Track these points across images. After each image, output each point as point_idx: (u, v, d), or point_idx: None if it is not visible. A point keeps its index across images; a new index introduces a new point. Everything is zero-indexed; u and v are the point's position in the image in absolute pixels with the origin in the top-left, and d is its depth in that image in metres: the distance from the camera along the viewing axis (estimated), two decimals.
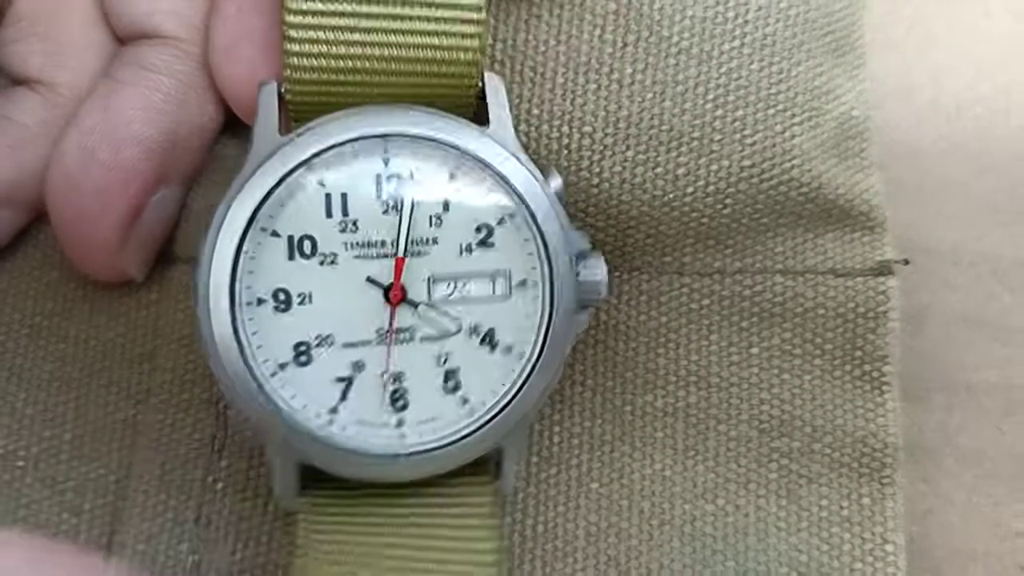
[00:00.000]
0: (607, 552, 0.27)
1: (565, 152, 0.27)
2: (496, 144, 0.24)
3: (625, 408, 0.28)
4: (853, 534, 0.27)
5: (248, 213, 0.24)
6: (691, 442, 0.27)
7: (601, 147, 0.26)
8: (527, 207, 0.24)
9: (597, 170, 0.27)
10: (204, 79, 0.27)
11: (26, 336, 0.28)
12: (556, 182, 0.24)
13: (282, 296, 0.24)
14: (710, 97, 0.27)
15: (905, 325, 0.29)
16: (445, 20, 0.24)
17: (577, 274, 0.24)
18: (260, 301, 0.24)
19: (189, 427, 0.27)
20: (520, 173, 0.24)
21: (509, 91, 0.26)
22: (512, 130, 0.24)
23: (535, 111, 0.27)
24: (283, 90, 0.25)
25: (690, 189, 0.27)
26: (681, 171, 0.27)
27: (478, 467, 0.25)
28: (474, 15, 0.24)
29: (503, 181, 0.24)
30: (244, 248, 0.24)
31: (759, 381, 0.27)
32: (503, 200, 0.24)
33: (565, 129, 0.26)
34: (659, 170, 0.27)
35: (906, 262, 0.28)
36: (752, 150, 0.27)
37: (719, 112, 0.27)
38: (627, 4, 0.26)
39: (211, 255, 0.23)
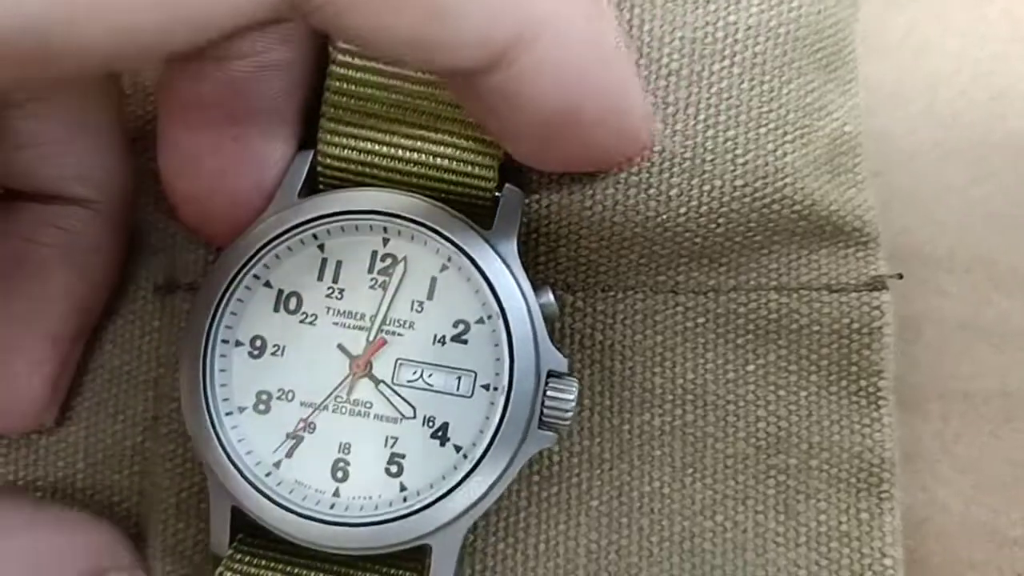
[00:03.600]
0: (608, 569, 0.27)
1: (558, 174, 0.27)
2: (490, 249, 0.25)
3: (623, 427, 0.28)
4: (852, 549, 0.27)
5: (242, 261, 0.25)
6: (689, 460, 0.28)
7: None
8: (504, 316, 0.24)
9: (590, 192, 0.27)
10: (116, 240, 0.27)
11: None
12: (546, 298, 0.25)
13: (258, 343, 0.25)
14: (701, 118, 0.27)
15: (901, 333, 0.29)
16: (466, 148, 0.25)
17: (545, 392, 0.24)
18: (238, 343, 0.25)
19: None
20: (506, 281, 0.24)
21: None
22: (514, 240, 0.25)
23: None
24: (316, 162, 0.26)
25: (683, 209, 0.27)
26: (674, 192, 0.27)
27: (407, 563, 0.25)
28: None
29: (488, 285, 0.24)
30: (233, 291, 0.25)
31: (755, 398, 0.28)
32: (484, 302, 0.25)
33: None
34: (652, 191, 0.27)
35: (900, 276, 0.28)
36: (744, 169, 0.27)
37: (710, 132, 0.27)
38: (616, 27, 0.26)
39: (203, 288, 0.25)
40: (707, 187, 0.27)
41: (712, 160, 0.27)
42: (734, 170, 0.27)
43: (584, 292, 0.28)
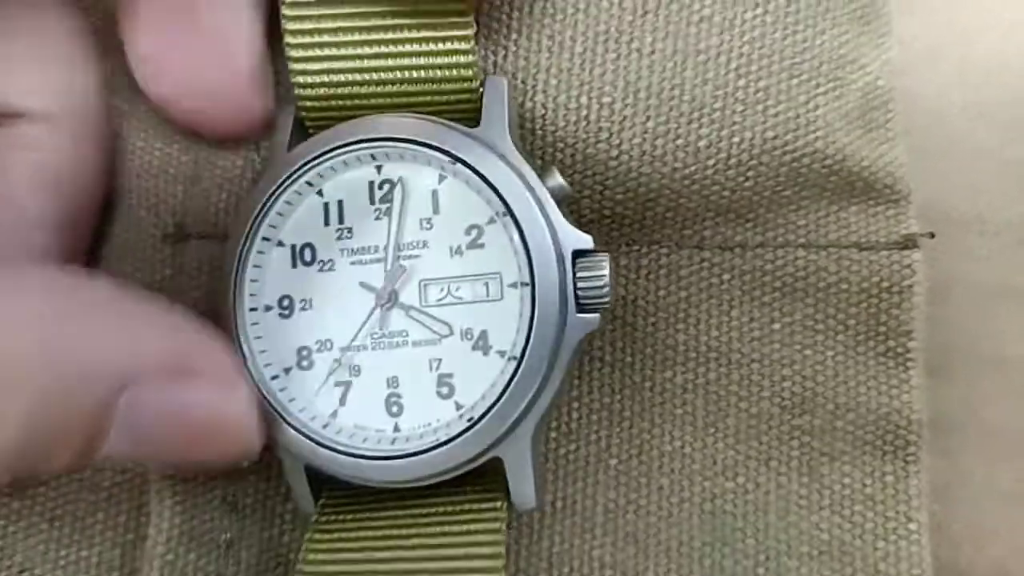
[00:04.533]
0: (625, 528, 0.27)
1: (584, 123, 0.26)
2: (482, 146, 0.24)
3: (644, 384, 0.27)
4: (876, 512, 0.26)
5: (248, 223, 0.25)
6: (711, 419, 0.27)
7: (620, 118, 0.26)
8: (510, 211, 0.24)
9: (616, 142, 0.26)
10: (86, 154, 0.27)
11: None
12: (553, 180, 0.24)
13: (286, 303, 0.25)
14: (732, 67, 0.26)
15: (930, 296, 0.29)
16: (437, 39, 0.24)
17: (575, 274, 0.24)
18: (267, 308, 0.25)
19: None
20: (503, 175, 0.24)
21: (526, 59, 0.26)
22: (506, 130, 0.24)
23: (552, 81, 0.26)
24: (299, 114, 0.25)
25: (711, 161, 0.26)
26: (703, 143, 0.26)
27: (488, 483, 0.25)
28: (466, 31, 0.24)
29: (488, 184, 0.24)
30: (247, 257, 0.25)
31: (780, 357, 0.27)
32: (490, 201, 0.24)
33: (584, 100, 0.26)
34: (680, 142, 0.26)
35: (932, 235, 0.27)
36: (775, 121, 0.26)
37: (741, 82, 0.26)
38: None
39: (225, 259, 0.25)
40: (737, 139, 0.26)
41: (743, 111, 0.26)
42: (764, 122, 0.26)
43: (607, 246, 0.27)
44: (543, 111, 0.26)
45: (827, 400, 0.27)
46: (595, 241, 0.27)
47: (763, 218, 0.27)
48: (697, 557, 0.27)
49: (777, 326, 0.27)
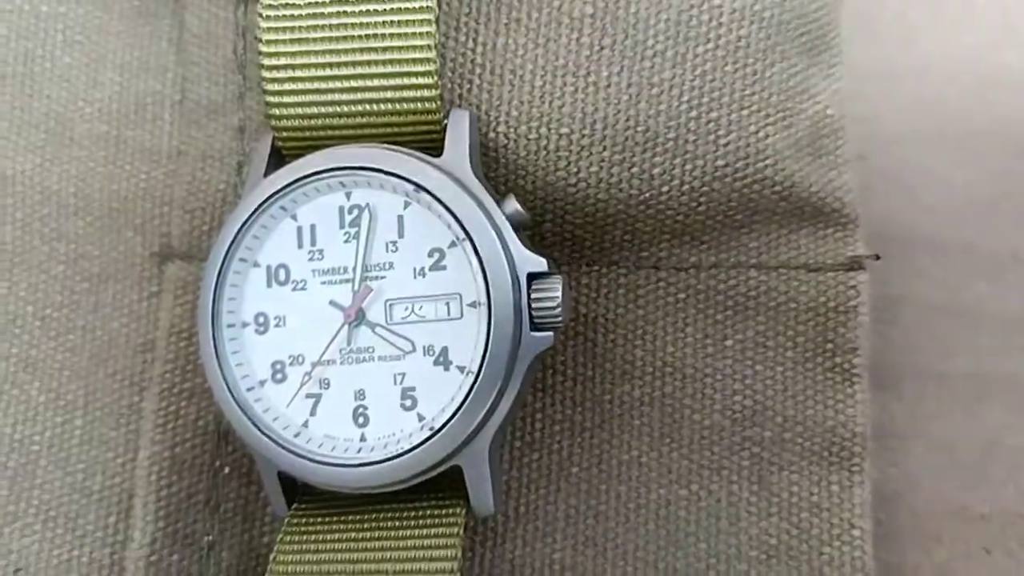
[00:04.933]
0: (585, 533, 0.28)
1: (544, 152, 0.28)
2: (444, 175, 0.26)
3: (604, 397, 0.29)
4: (822, 519, 0.28)
5: (227, 244, 0.26)
6: (666, 430, 0.29)
7: (578, 148, 0.27)
8: (468, 235, 0.25)
9: (575, 170, 0.28)
10: None
11: (38, 328, 0.30)
12: (511, 207, 0.26)
13: (261, 319, 0.27)
14: (685, 99, 0.27)
15: (880, 314, 0.30)
16: (402, 75, 0.26)
17: (529, 296, 0.25)
18: (244, 324, 0.27)
19: (193, 415, 0.29)
20: (463, 202, 0.25)
21: (489, 93, 0.28)
22: (467, 159, 0.26)
23: (514, 113, 0.27)
24: (275, 142, 0.27)
25: (665, 188, 0.28)
26: (656, 171, 0.27)
27: (449, 491, 0.26)
28: (428, 67, 0.26)
29: (447, 210, 0.25)
30: (225, 277, 0.26)
31: (732, 372, 0.28)
32: (451, 227, 0.26)
33: (543, 131, 0.27)
34: (635, 170, 0.27)
35: (877, 257, 0.28)
36: (726, 150, 0.27)
37: (693, 113, 0.27)
38: (603, 8, 0.27)
39: (202, 283, 0.26)
40: (689, 166, 0.27)
41: (695, 140, 0.27)
42: (716, 151, 0.27)
43: (568, 266, 0.29)
44: (505, 141, 0.27)
45: (776, 413, 0.28)
46: (557, 262, 0.28)
47: (716, 240, 0.29)
48: (652, 560, 0.28)
49: (730, 343, 0.29)
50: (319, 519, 0.26)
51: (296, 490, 0.27)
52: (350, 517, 0.26)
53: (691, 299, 0.29)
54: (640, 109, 0.27)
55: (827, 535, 0.28)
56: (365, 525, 0.26)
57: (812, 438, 0.28)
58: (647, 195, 0.28)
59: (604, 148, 0.27)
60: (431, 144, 0.26)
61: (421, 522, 0.26)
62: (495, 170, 0.28)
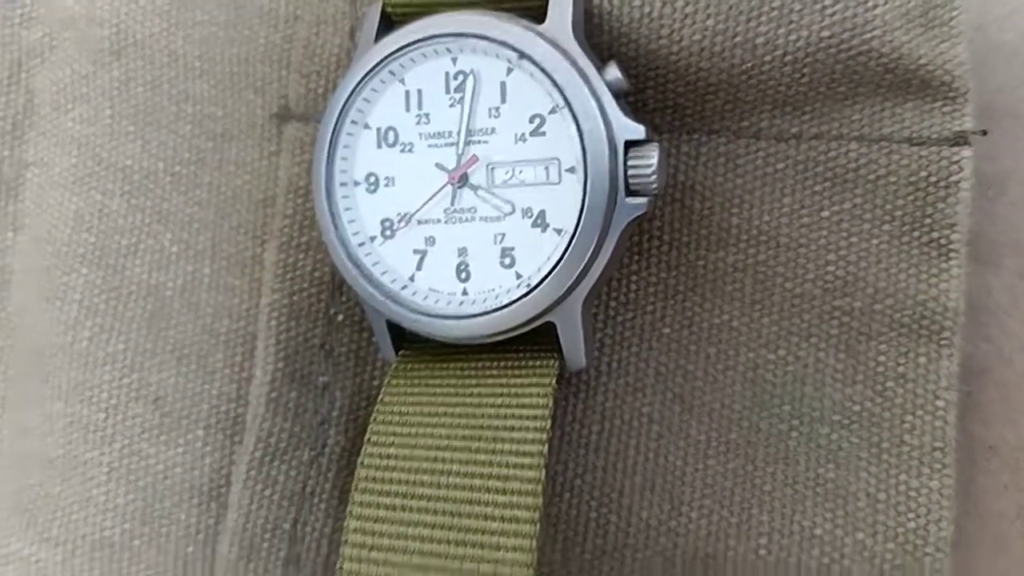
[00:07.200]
0: (673, 390, 0.30)
1: (647, 20, 0.28)
2: (546, 42, 0.26)
3: (698, 263, 0.30)
4: (906, 389, 0.28)
5: (339, 107, 0.28)
6: (758, 296, 0.29)
7: (682, 15, 0.28)
8: (567, 101, 0.26)
9: (677, 38, 0.28)
10: None
11: (169, 183, 0.32)
12: (611, 74, 0.26)
13: (372, 179, 0.28)
14: None
15: (985, 189, 0.30)
16: None
17: (625, 163, 0.26)
18: (355, 183, 0.29)
19: (310, 266, 0.31)
20: (565, 69, 0.26)
21: None
22: (569, 26, 0.26)
23: None
24: (385, 8, 0.28)
25: (768, 58, 0.28)
26: (760, 40, 0.27)
27: (544, 345, 0.28)
28: None
29: (548, 77, 0.26)
30: (338, 137, 0.28)
31: (827, 243, 0.29)
32: (551, 93, 0.26)
33: None
34: (738, 39, 0.27)
35: (984, 133, 0.28)
36: (832, 20, 0.27)
37: None
38: None
39: (316, 143, 0.28)
40: (793, 36, 0.27)
41: (800, 10, 0.27)
42: (822, 20, 0.27)
43: (669, 134, 0.29)
44: (609, 8, 0.28)
45: (868, 284, 0.29)
46: (657, 129, 0.29)
47: (818, 111, 0.29)
48: (736, 419, 0.29)
49: (826, 214, 0.29)
50: (423, 365, 0.29)
51: (404, 338, 0.29)
52: (452, 364, 0.28)
53: (789, 169, 0.29)
54: None
55: (910, 404, 0.28)
56: (465, 372, 0.28)
57: (903, 310, 0.28)
58: (749, 65, 0.28)
59: (708, 16, 0.27)
60: (535, 11, 0.27)
61: (517, 371, 0.28)
62: (599, 37, 0.28)
